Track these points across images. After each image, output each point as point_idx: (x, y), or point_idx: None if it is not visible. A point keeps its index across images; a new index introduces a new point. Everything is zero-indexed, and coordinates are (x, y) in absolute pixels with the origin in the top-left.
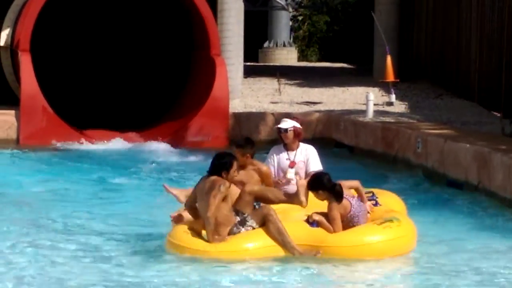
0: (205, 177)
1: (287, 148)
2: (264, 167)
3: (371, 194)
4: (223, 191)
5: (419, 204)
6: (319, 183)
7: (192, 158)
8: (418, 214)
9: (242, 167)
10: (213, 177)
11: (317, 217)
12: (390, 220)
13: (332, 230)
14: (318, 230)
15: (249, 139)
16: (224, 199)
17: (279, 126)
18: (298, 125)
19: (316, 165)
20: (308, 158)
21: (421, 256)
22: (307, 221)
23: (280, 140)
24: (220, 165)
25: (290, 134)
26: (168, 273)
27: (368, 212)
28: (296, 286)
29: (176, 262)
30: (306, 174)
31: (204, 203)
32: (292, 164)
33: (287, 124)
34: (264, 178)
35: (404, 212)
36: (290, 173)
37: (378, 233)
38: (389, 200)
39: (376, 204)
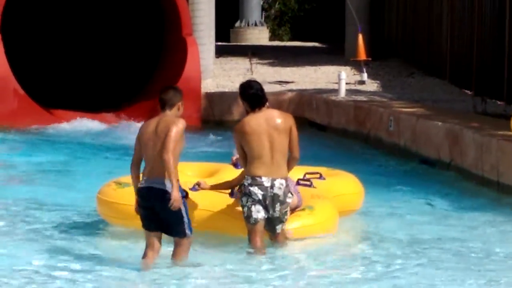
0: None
1: None
2: None
3: (319, 175)
4: None
5: (392, 183)
6: None
7: None
8: (390, 192)
9: None
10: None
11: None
12: (303, 209)
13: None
14: None
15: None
16: None
17: None
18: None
19: None
20: None
21: (385, 234)
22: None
23: None
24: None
25: None
26: None
27: (299, 192)
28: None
29: None
30: None
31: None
32: None
33: None
34: None
35: (361, 193)
36: None
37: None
38: (344, 181)
39: (310, 185)
